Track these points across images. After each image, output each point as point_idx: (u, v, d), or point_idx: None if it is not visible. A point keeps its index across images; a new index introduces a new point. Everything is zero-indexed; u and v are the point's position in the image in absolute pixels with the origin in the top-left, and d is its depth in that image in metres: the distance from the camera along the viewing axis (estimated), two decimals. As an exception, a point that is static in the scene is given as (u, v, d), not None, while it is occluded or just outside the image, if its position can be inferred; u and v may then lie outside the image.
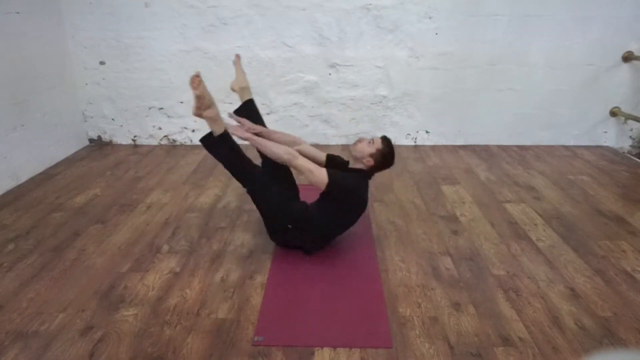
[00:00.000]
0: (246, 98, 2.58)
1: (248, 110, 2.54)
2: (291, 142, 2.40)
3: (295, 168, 2.19)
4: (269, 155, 2.21)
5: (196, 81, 2.05)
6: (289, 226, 2.28)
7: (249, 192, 2.29)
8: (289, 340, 1.76)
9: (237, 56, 2.65)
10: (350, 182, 2.24)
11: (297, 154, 2.18)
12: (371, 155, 2.24)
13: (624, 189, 3.22)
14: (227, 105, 4.07)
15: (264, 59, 3.93)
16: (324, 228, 2.32)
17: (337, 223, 2.33)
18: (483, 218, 2.76)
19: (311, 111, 4.11)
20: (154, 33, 3.85)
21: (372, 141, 2.26)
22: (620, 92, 4.01)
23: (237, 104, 4.05)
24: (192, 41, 3.88)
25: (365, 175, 2.31)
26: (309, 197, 2.35)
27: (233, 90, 2.61)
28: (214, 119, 2.17)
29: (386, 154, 2.26)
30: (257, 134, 2.31)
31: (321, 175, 2.14)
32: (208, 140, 2.22)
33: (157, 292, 2.04)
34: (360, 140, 2.29)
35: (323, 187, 2.15)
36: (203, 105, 2.12)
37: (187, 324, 1.84)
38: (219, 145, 2.21)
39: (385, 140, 2.28)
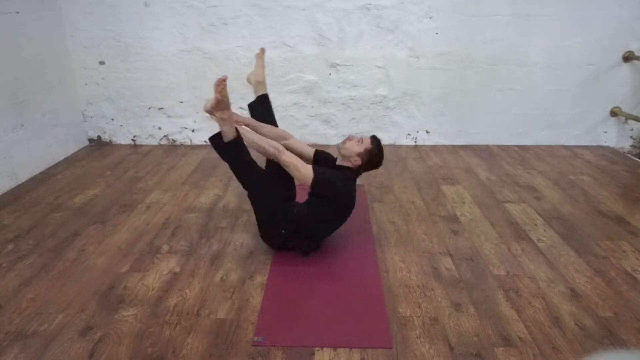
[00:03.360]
0: (260, 92, 2.60)
1: (261, 105, 2.57)
2: (279, 137, 2.38)
3: (280, 163, 2.16)
4: (253, 148, 2.16)
5: (221, 86, 1.97)
6: (282, 231, 2.24)
7: (248, 194, 2.27)
8: (289, 340, 1.76)
9: (262, 50, 2.70)
10: (336, 179, 2.21)
11: (282, 149, 2.16)
12: (359, 155, 2.23)
13: (625, 189, 3.22)
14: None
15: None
16: (313, 227, 2.27)
17: (325, 222, 2.29)
18: (483, 218, 2.75)
19: (311, 111, 4.11)
20: (154, 33, 3.84)
21: (361, 140, 2.24)
22: (620, 92, 4.01)
23: (236, 103, 4.07)
24: (192, 41, 3.87)
25: (353, 173, 2.29)
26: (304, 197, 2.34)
27: (249, 82, 2.63)
28: (226, 121, 2.06)
29: (374, 154, 2.24)
30: (245, 125, 2.29)
31: (306, 171, 2.12)
32: (218, 142, 2.12)
33: (156, 292, 2.04)
34: (349, 139, 2.28)
35: (308, 183, 2.13)
36: (219, 107, 2.02)
37: (187, 324, 1.84)
38: (228, 149, 2.12)
39: (375, 140, 2.26)
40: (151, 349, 1.71)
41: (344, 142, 2.28)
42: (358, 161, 2.24)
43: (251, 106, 2.62)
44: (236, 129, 2.10)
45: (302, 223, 2.24)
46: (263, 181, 2.22)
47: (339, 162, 2.33)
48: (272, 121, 2.58)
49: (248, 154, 2.14)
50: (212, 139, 2.13)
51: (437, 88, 4.01)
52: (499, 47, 3.87)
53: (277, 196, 2.25)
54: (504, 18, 3.79)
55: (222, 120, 2.05)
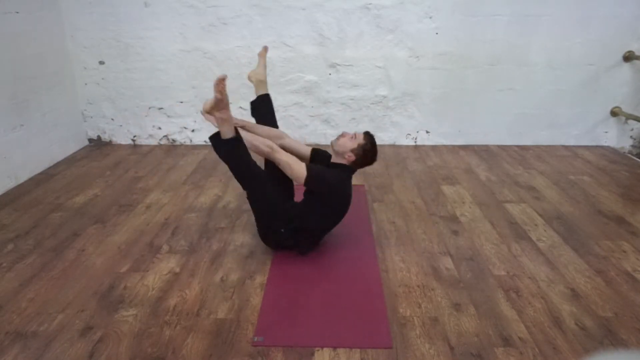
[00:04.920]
0: (261, 92, 2.59)
1: (262, 104, 2.57)
2: (275, 137, 2.37)
3: (274, 161, 2.16)
4: (248, 148, 2.13)
5: (221, 85, 1.94)
6: (282, 230, 2.24)
7: (248, 195, 2.27)
8: (289, 340, 1.76)
9: (265, 48, 2.68)
10: (330, 176, 2.20)
11: (276, 147, 2.16)
12: (352, 151, 2.23)
13: (625, 189, 3.22)
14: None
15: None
16: (311, 225, 2.26)
17: (321, 219, 2.28)
18: (483, 218, 2.75)
19: (311, 111, 4.11)
20: (154, 33, 3.84)
21: (354, 136, 2.25)
22: (620, 91, 4.01)
23: (236, 103, 4.06)
24: (192, 41, 3.87)
25: (347, 170, 2.28)
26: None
27: (250, 80, 2.61)
28: (225, 121, 2.04)
29: (367, 150, 2.24)
30: (240, 127, 2.27)
31: (300, 169, 2.11)
32: (217, 141, 2.10)
33: (156, 293, 2.04)
34: (342, 135, 2.28)
35: (302, 181, 2.11)
36: (219, 107, 1.99)
37: (187, 324, 1.84)
38: (228, 148, 2.10)
39: (368, 135, 2.26)
40: (151, 349, 1.71)
41: (338, 138, 2.28)
42: (352, 157, 2.24)
43: (253, 105, 2.62)
44: (235, 129, 2.09)
45: (300, 221, 2.24)
46: (262, 181, 2.21)
47: (333, 159, 2.33)
48: (272, 120, 2.58)
49: (248, 154, 2.13)
50: (212, 137, 2.11)
51: (437, 88, 4.01)
52: (499, 47, 3.87)
53: (276, 196, 2.24)
54: (504, 18, 3.79)
55: (222, 120, 2.02)
